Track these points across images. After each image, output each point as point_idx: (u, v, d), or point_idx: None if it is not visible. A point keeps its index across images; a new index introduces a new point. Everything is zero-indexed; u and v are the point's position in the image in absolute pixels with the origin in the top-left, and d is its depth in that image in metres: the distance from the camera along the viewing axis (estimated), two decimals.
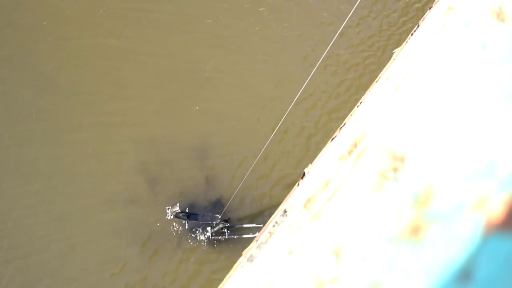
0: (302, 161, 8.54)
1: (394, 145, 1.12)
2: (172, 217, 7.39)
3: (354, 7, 4.55)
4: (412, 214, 0.38)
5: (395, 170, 1.08)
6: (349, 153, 1.73)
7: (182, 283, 7.57)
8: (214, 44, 9.43)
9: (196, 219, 7.49)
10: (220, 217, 7.53)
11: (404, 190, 0.42)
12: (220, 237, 7.60)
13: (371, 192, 1.06)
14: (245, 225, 7.61)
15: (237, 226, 7.61)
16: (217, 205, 8.02)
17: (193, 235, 7.72)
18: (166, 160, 8.19)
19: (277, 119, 8.40)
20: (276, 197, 8.20)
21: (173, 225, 7.83)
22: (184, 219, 7.48)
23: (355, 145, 1.69)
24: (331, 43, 4.83)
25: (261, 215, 7.87)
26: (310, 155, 8.47)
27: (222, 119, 8.67)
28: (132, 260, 7.53)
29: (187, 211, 7.54)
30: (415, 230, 0.36)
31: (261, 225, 7.42)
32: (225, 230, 7.55)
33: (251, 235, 7.46)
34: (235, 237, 7.59)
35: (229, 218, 7.58)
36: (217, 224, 7.50)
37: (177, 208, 7.30)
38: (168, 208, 7.40)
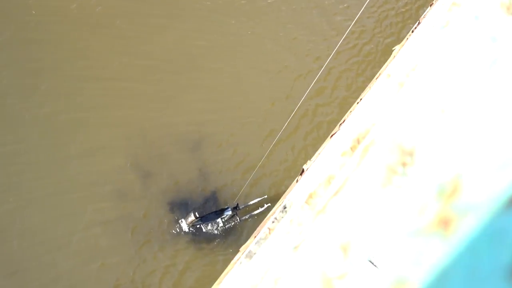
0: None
1: (403, 140, 1.08)
2: (189, 228, 7.47)
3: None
4: (438, 206, 0.35)
5: (404, 164, 1.04)
6: (352, 148, 1.70)
7: (174, 278, 7.55)
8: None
9: (212, 219, 7.54)
10: (230, 207, 7.60)
11: (425, 182, 0.40)
12: (232, 223, 7.65)
13: (379, 186, 1.03)
14: (251, 202, 7.66)
15: (244, 207, 7.67)
16: (213, 197, 8.01)
17: (190, 229, 7.71)
18: (159, 153, 8.13)
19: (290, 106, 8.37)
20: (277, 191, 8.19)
21: (164, 221, 7.79)
22: (200, 224, 7.53)
23: (358, 141, 1.65)
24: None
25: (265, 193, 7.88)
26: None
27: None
28: (124, 254, 7.49)
29: (197, 215, 7.55)
30: (445, 223, 0.33)
31: (265, 196, 7.51)
32: (235, 215, 7.62)
33: (260, 210, 7.55)
34: (247, 216, 7.66)
35: (237, 204, 7.63)
36: (228, 215, 7.57)
37: (192, 218, 7.36)
38: (181, 221, 7.49)
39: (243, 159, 8.27)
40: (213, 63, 8.93)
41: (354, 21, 6.41)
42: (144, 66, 8.76)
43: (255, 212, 7.68)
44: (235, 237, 7.80)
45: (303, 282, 0.94)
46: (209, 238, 7.76)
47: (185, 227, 7.49)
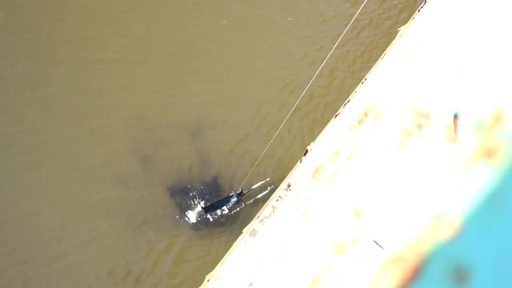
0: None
1: (418, 102, 1.02)
2: (196, 219, 7.51)
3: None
4: (478, 140, 0.32)
5: (419, 127, 0.98)
6: (360, 122, 1.66)
7: (169, 263, 7.56)
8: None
9: (218, 207, 7.59)
10: (234, 194, 7.61)
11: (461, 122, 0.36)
12: (238, 209, 7.67)
13: (393, 149, 0.97)
14: (254, 186, 7.66)
15: (247, 191, 7.67)
16: (214, 182, 7.99)
17: (198, 219, 7.72)
18: (158, 135, 8.09)
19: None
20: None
21: (164, 206, 7.77)
22: (205, 214, 7.57)
23: (366, 114, 1.60)
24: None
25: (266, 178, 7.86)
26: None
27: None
28: (121, 237, 7.50)
29: (203, 206, 7.58)
30: (488, 153, 0.30)
31: (268, 179, 7.52)
32: (240, 201, 7.65)
33: (264, 193, 7.56)
34: (252, 201, 7.67)
35: (242, 190, 7.62)
36: (233, 201, 7.60)
37: (199, 209, 7.42)
38: (188, 213, 7.52)
39: (244, 143, 8.24)
40: (212, 44, 8.83)
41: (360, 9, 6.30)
42: (143, 47, 8.66)
43: (259, 195, 7.69)
44: (239, 222, 7.81)
45: (313, 248, 0.89)
46: (213, 224, 7.77)
47: (193, 219, 7.55)
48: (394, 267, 0.31)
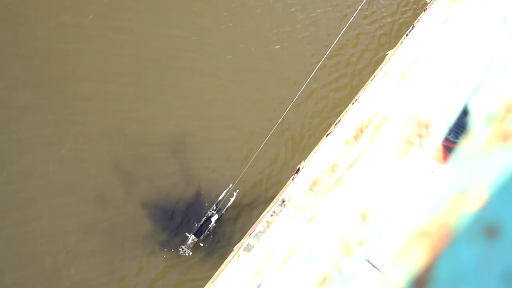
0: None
1: (418, 113, 1.08)
2: (191, 251, 7.46)
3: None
4: (491, 130, 0.35)
5: (420, 136, 1.04)
6: (356, 137, 1.70)
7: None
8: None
9: (205, 229, 7.57)
10: (213, 211, 7.56)
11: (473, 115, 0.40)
12: (215, 223, 7.61)
13: (395, 158, 1.02)
14: (221, 197, 7.57)
15: (218, 202, 7.61)
16: (198, 200, 7.94)
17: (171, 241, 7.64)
18: (139, 152, 8.01)
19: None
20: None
21: (145, 227, 7.67)
22: (196, 240, 7.54)
23: (361, 130, 1.65)
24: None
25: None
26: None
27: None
28: (98, 260, 7.36)
29: (194, 236, 7.55)
30: (505, 137, 0.33)
31: (230, 185, 7.40)
32: (222, 215, 7.60)
33: (232, 200, 7.49)
34: (224, 211, 7.59)
35: (216, 206, 7.57)
36: (216, 218, 7.56)
37: (192, 239, 7.36)
38: (183, 248, 7.45)
39: (228, 156, 8.24)
40: (193, 54, 8.89)
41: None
42: (124, 61, 8.70)
43: (229, 203, 7.61)
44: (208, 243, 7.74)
45: (320, 249, 0.92)
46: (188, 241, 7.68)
47: (188, 252, 7.48)
48: (422, 241, 0.35)
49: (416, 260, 0.34)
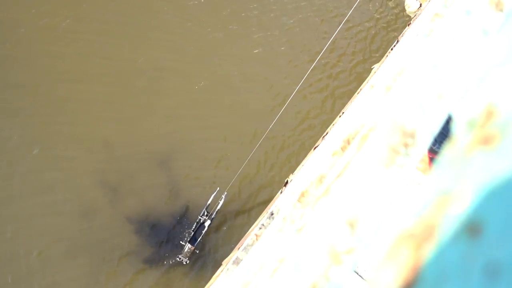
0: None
1: (403, 123, 1.11)
2: (188, 259, 7.40)
3: None
4: (472, 134, 0.36)
5: (406, 145, 1.06)
6: (343, 149, 1.71)
7: None
8: None
9: (198, 236, 7.54)
10: (204, 218, 7.52)
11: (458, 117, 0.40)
12: (207, 229, 7.55)
13: (382, 167, 1.04)
14: (209, 201, 7.50)
15: (208, 208, 7.55)
16: (185, 212, 7.88)
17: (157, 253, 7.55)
18: (124, 168, 7.94)
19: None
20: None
21: (130, 242, 7.56)
22: (192, 248, 7.49)
23: (348, 142, 1.67)
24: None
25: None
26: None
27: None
28: (82, 274, 7.21)
29: (190, 244, 7.50)
30: (485, 141, 0.34)
31: (218, 188, 7.35)
32: (212, 220, 7.54)
33: (221, 203, 7.42)
34: (213, 216, 7.52)
35: (205, 211, 7.51)
36: (208, 224, 7.53)
37: (189, 248, 7.32)
38: (180, 258, 7.39)
39: (216, 165, 8.21)
40: (180, 65, 8.91)
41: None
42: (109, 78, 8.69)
43: (218, 207, 7.54)
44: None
45: (309, 259, 0.93)
46: (173, 263, 7.59)
47: (185, 261, 7.41)
48: (408, 243, 0.35)
49: (403, 262, 0.35)
